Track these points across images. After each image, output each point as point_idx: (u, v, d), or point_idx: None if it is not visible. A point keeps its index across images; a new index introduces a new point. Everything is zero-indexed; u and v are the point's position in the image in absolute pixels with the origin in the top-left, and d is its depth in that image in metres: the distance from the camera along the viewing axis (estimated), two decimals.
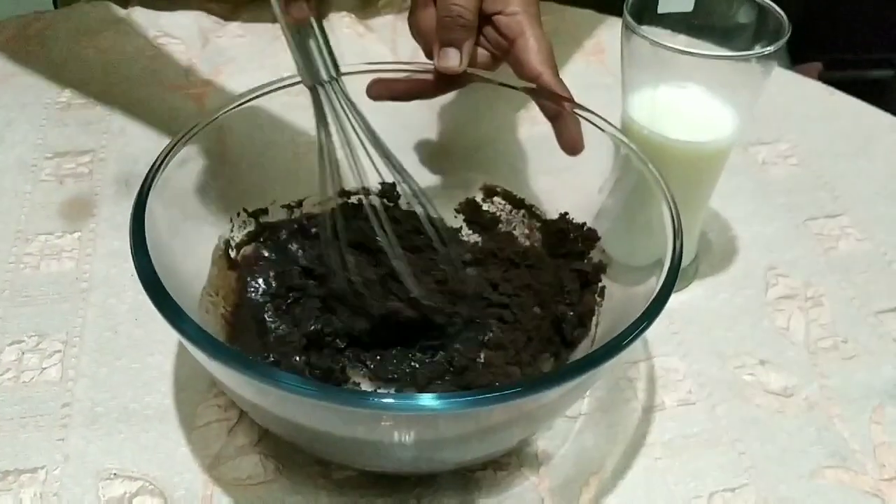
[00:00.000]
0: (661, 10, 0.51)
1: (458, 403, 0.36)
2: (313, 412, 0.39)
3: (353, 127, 0.46)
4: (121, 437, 0.47)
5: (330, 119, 0.46)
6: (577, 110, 0.50)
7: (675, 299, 0.56)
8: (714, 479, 0.47)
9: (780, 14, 0.49)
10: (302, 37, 0.45)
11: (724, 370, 0.52)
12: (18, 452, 0.46)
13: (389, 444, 0.42)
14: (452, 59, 0.50)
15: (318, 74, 0.46)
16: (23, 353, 0.51)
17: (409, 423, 0.39)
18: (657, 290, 0.41)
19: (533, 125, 0.53)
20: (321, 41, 0.45)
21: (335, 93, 0.46)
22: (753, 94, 0.50)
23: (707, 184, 0.54)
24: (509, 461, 0.47)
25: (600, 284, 0.50)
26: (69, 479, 0.45)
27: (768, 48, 0.47)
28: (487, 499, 0.45)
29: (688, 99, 0.50)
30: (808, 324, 0.55)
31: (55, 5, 0.92)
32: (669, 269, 0.42)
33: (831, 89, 0.77)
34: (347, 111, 0.46)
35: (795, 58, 1.48)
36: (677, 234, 0.43)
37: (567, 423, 0.49)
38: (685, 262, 0.57)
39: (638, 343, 0.53)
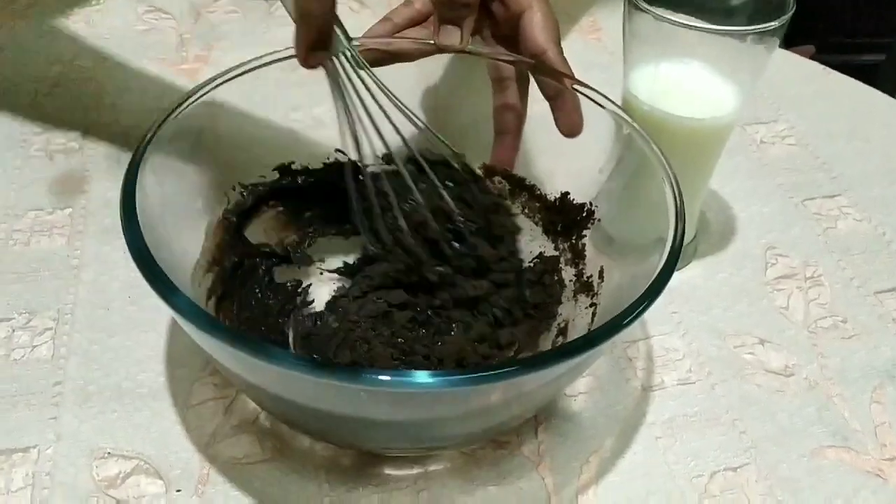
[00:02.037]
0: None
1: (453, 381, 0.35)
2: (306, 389, 0.38)
3: (372, 91, 0.46)
4: (114, 416, 0.46)
5: (349, 88, 0.45)
6: (578, 87, 0.49)
7: (674, 278, 0.55)
8: (714, 459, 0.46)
9: None
10: None
11: (724, 349, 0.52)
12: (10, 431, 0.45)
13: (383, 423, 0.41)
14: (453, 37, 0.50)
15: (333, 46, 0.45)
16: (13, 331, 0.50)
17: (402, 400, 0.38)
18: (658, 270, 0.41)
19: (533, 103, 0.52)
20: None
21: (350, 60, 0.45)
22: (755, 71, 0.49)
23: (707, 162, 0.53)
24: (510, 440, 0.47)
25: (600, 265, 0.50)
26: (62, 458, 0.44)
27: (772, 23, 0.46)
28: (488, 477, 0.45)
29: (690, 75, 0.49)
30: (808, 303, 0.55)
31: None
32: (671, 249, 0.41)
33: (828, 69, 0.77)
34: (367, 76, 0.45)
35: (788, 41, 1.48)
36: (679, 214, 0.42)
37: (567, 401, 0.49)
38: (685, 241, 0.57)
39: (637, 322, 0.53)
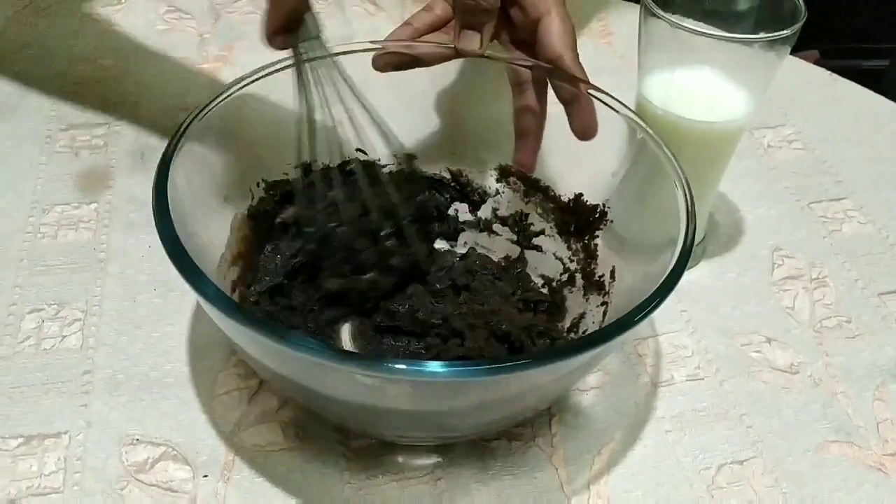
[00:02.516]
0: None
1: (470, 372, 0.37)
2: (325, 375, 0.40)
3: (337, 86, 0.47)
4: (143, 404, 0.48)
5: (310, 79, 0.47)
6: (593, 92, 0.50)
7: (683, 278, 0.57)
8: (722, 452, 0.48)
9: None
10: None
11: (732, 347, 0.53)
12: (42, 418, 0.47)
13: (402, 412, 0.43)
14: (473, 42, 0.51)
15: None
16: (42, 322, 0.52)
17: (421, 389, 0.40)
18: (669, 270, 0.42)
19: (548, 106, 0.54)
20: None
21: (316, 49, 0.47)
22: (766, 76, 0.51)
23: (718, 165, 0.55)
24: (523, 432, 0.48)
25: (612, 265, 0.51)
26: (93, 444, 0.46)
27: (784, 31, 0.48)
28: (503, 468, 0.46)
29: (703, 80, 0.51)
30: (813, 304, 0.57)
31: None
32: (682, 250, 0.43)
33: (834, 76, 0.78)
34: (334, 69, 0.47)
35: (793, 46, 1.50)
36: (690, 216, 0.44)
37: (580, 396, 0.50)
38: (694, 242, 0.58)
39: (647, 320, 0.54)
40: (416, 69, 0.53)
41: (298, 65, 0.47)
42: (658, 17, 0.48)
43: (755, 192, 0.64)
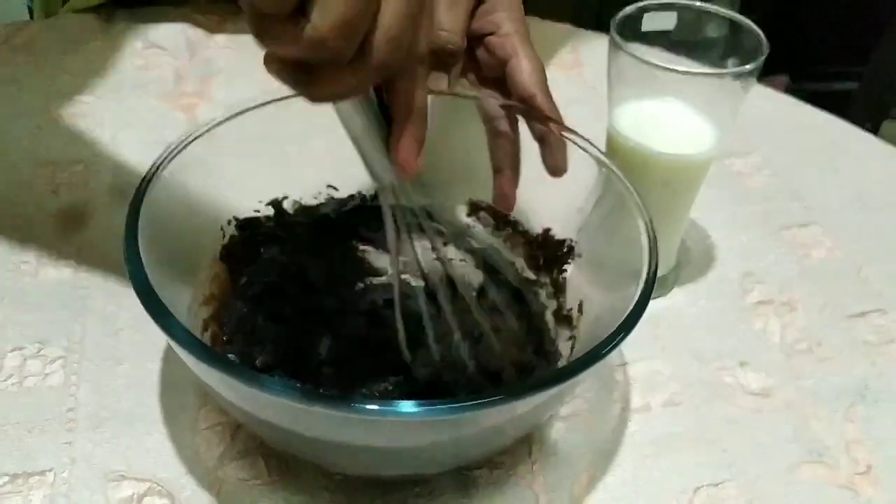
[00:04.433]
0: (644, 27, 0.53)
1: (439, 411, 0.38)
2: (297, 417, 0.40)
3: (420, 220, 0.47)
4: (127, 440, 0.48)
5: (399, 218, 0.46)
6: (565, 133, 0.51)
7: (657, 305, 0.59)
8: (698, 475, 0.49)
9: (757, 32, 0.51)
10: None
11: (706, 372, 0.55)
12: (26, 456, 0.47)
13: (372, 449, 0.43)
14: (441, 83, 0.52)
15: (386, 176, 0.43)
16: (25, 360, 0.52)
17: (390, 428, 0.40)
18: (632, 304, 0.43)
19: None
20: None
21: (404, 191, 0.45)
22: (732, 108, 0.52)
23: (688, 194, 0.56)
24: (504, 460, 0.49)
25: (580, 300, 0.52)
26: (78, 481, 0.46)
27: (747, 66, 0.50)
28: (484, 496, 0.47)
29: (670, 113, 0.52)
30: (784, 328, 0.58)
31: (31, 16, 0.92)
32: (645, 285, 0.44)
33: (800, 102, 0.80)
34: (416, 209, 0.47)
35: (762, 71, 1.53)
36: (653, 251, 0.45)
37: (559, 423, 0.51)
38: (666, 269, 0.60)
39: (624, 348, 0.55)
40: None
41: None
42: (626, 53, 0.50)
43: (726, 219, 0.66)
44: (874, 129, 1.47)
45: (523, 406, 0.41)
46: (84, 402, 0.50)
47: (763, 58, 0.50)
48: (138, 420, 0.49)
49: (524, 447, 0.50)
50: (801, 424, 0.52)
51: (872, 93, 1.45)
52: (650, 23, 0.54)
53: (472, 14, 0.52)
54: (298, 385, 0.47)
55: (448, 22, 0.50)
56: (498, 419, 0.42)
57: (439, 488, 0.47)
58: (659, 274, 0.59)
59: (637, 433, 0.51)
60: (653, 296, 0.59)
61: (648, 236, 0.45)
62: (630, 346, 0.56)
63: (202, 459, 0.48)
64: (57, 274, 0.58)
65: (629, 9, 0.53)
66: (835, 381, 0.55)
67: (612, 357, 0.55)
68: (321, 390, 0.48)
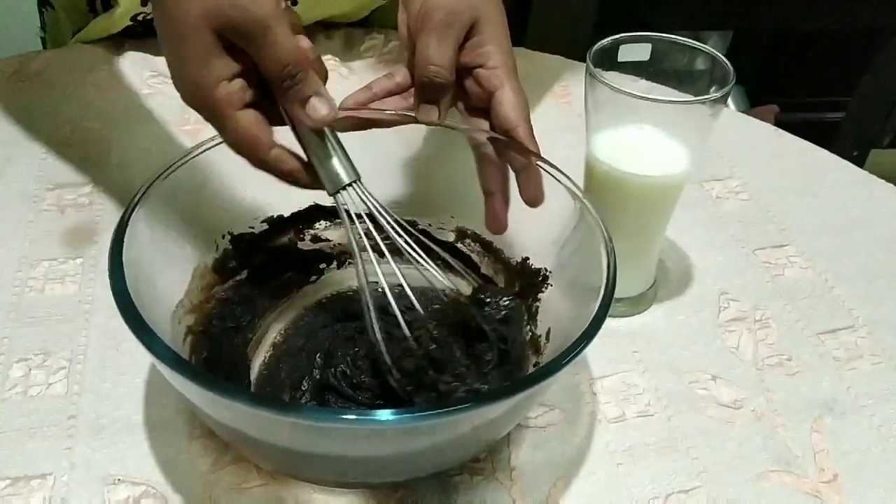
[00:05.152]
0: (620, 58, 0.56)
1: (411, 418, 0.40)
2: (269, 426, 0.42)
3: (384, 219, 0.50)
4: (124, 446, 0.51)
5: (354, 218, 0.50)
6: (542, 164, 0.53)
7: (635, 321, 0.62)
8: (669, 483, 0.51)
9: (726, 63, 0.54)
10: (322, 147, 0.49)
11: (680, 385, 0.57)
12: (28, 460, 0.50)
13: (345, 457, 0.45)
14: (432, 115, 0.55)
15: (340, 179, 0.49)
16: (29, 370, 0.55)
17: (366, 436, 0.43)
18: (590, 318, 0.44)
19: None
20: (337, 147, 0.49)
21: (359, 193, 0.50)
22: (703, 134, 0.55)
23: (662, 214, 0.59)
24: (484, 467, 0.51)
25: (548, 326, 0.54)
26: (76, 484, 0.49)
27: (715, 94, 0.53)
28: (464, 500, 0.49)
29: (644, 138, 0.55)
30: (757, 343, 0.60)
31: (44, 46, 0.96)
32: (602, 299, 0.45)
33: (780, 131, 0.83)
34: (375, 206, 0.50)
35: (754, 100, 1.57)
36: (610, 270, 0.47)
37: (537, 432, 0.54)
38: (645, 287, 0.62)
39: (601, 362, 0.58)
40: (382, 133, 0.57)
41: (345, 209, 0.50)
42: (601, 82, 0.53)
43: (704, 240, 0.69)
44: (862, 158, 1.50)
45: (491, 412, 0.44)
46: (85, 409, 0.53)
47: (730, 87, 0.53)
48: (136, 427, 0.52)
49: (504, 455, 0.52)
50: (770, 435, 0.54)
51: (859, 122, 1.48)
52: (626, 54, 0.57)
53: (462, 47, 0.55)
54: (265, 396, 0.49)
55: (437, 57, 0.53)
56: (464, 426, 0.44)
57: (422, 492, 0.50)
58: (637, 292, 0.62)
59: (612, 442, 0.53)
60: (631, 313, 0.62)
61: (608, 256, 0.47)
62: (607, 359, 0.58)
63: (196, 465, 0.50)
64: (62, 290, 0.61)
65: (605, 41, 0.56)
66: (804, 394, 0.57)
67: (587, 370, 0.57)
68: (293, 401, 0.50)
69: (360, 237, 0.51)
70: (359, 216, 0.51)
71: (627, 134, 0.56)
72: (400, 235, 0.50)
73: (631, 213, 0.58)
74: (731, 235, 0.70)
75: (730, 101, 1.58)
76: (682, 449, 0.53)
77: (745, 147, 0.80)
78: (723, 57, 0.55)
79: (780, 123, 0.85)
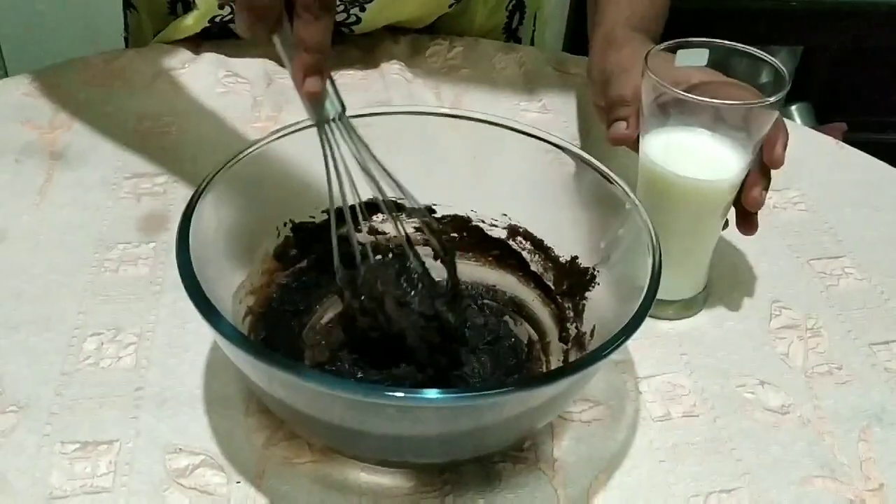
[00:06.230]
0: (678, 63, 0.57)
1: (458, 398, 0.42)
2: (323, 403, 0.45)
3: (359, 157, 0.52)
4: (186, 418, 0.54)
5: (336, 153, 0.52)
6: (596, 168, 0.55)
7: (685, 324, 0.63)
8: (711, 482, 0.52)
9: (782, 69, 0.55)
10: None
11: (727, 388, 0.58)
12: (96, 427, 0.53)
13: (395, 436, 0.47)
14: (622, 129, 0.61)
15: (324, 113, 0.51)
16: (102, 344, 0.58)
17: (417, 414, 0.45)
18: (632, 314, 0.46)
19: (550, 171, 0.59)
20: (329, 84, 0.50)
21: (342, 128, 0.51)
22: (755, 138, 0.56)
23: (714, 219, 0.60)
24: (528, 456, 0.53)
25: (593, 324, 0.55)
26: (140, 451, 0.51)
27: (770, 98, 0.53)
28: (506, 488, 0.51)
29: (697, 141, 0.56)
30: (807, 351, 0.60)
31: (127, 46, 1.01)
32: (637, 311, 0.46)
33: (842, 144, 0.83)
34: (355, 143, 0.51)
35: (821, 118, 1.55)
36: (652, 286, 0.47)
37: (581, 426, 0.55)
38: (695, 291, 0.63)
39: (648, 362, 0.59)
40: (440, 129, 0.60)
41: (324, 142, 0.52)
42: (658, 84, 0.54)
43: (758, 249, 0.69)
44: None
45: (533, 398, 0.45)
46: (151, 382, 0.56)
47: (784, 92, 0.53)
48: (197, 401, 0.55)
49: (547, 446, 0.53)
50: (816, 441, 0.54)
51: None
52: (684, 59, 0.58)
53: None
54: (322, 371, 0.51)
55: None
56: (506, 411, 0.46)
57: (465, 478, 0.51)
58: (688, 295, 0.63)
59: (655, 440, 0.54)
60: (681, 316, 0.63)
61: (653, 255, 0.49)
62: (654, 360, 0.59)
63: (251, 439, 0.53)
64: (135, 271, 0.64)
65: (663, 45, 0.57)
66: (852, 403, 0.57)
67: (633, 370, 0.58)
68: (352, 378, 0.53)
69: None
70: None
71: (682, 137, 0.57)
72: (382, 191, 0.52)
73: (682, 216, 0.58)
74: (787, 245, 0.70)
75: (796, 117, 1.58)
76: (725, 450, 0.54)
77: (807, 159, 0.80)
78: (778, 62, 0.55)
79: (848, 142, 0.84)
